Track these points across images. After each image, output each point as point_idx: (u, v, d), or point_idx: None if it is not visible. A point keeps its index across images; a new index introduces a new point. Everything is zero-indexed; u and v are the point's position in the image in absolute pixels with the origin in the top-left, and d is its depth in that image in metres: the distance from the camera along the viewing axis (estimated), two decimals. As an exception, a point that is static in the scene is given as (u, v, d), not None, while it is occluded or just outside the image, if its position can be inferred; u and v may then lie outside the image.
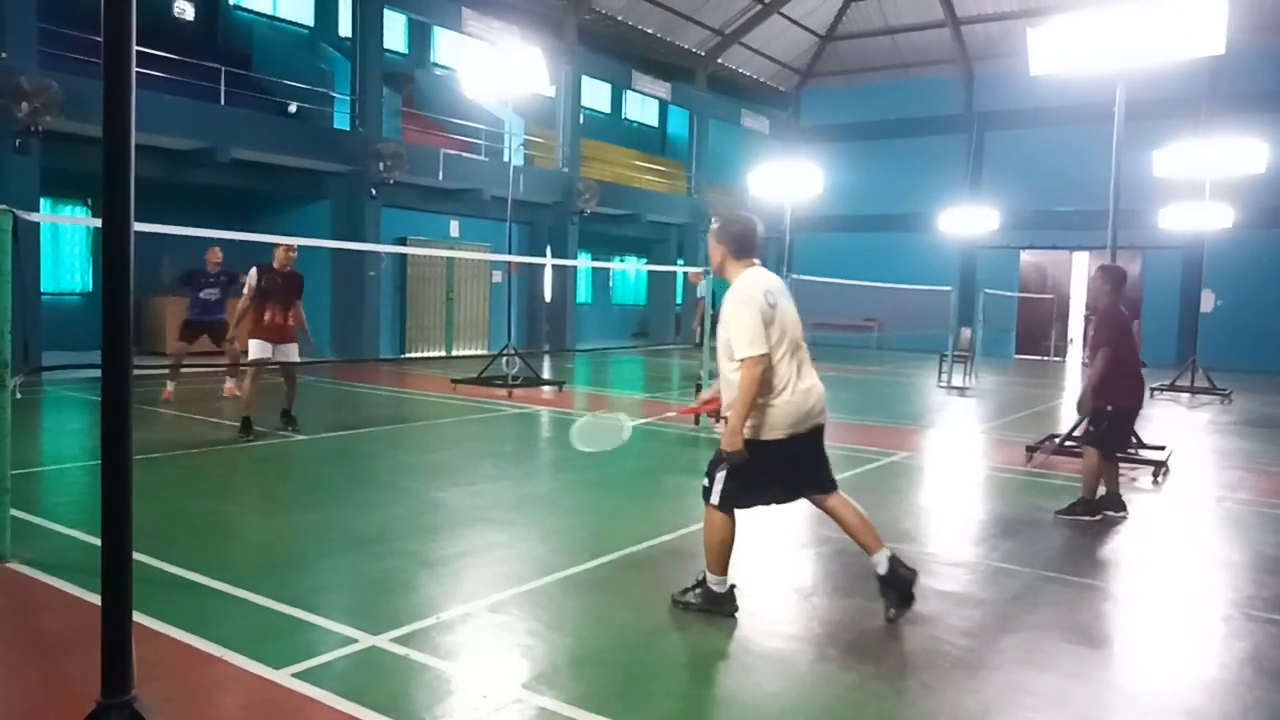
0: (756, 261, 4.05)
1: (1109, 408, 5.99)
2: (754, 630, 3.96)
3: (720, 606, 4.05)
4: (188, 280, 10.75)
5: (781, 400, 3.87)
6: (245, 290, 8.48)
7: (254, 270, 8.49)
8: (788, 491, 4.13)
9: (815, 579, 4.79)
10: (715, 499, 3.98)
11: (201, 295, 10.60)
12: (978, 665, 3.64)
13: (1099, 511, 6.07)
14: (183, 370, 10.95)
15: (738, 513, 4.07)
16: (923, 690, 3.38)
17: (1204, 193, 15.75)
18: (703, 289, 15.97)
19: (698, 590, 4.11)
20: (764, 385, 3.82)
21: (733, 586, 4.08)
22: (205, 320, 10.65)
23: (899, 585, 3.98)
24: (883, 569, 3.98)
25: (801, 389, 3.91)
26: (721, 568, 4.06)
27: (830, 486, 4.12)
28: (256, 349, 8.48)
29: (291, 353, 8.69)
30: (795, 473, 4.05)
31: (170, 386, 10.60)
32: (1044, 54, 8.28)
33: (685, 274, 16.82)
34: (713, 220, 4.13)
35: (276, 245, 8.55)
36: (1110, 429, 6.06)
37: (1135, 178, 13.49)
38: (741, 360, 3.77)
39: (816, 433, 4.01)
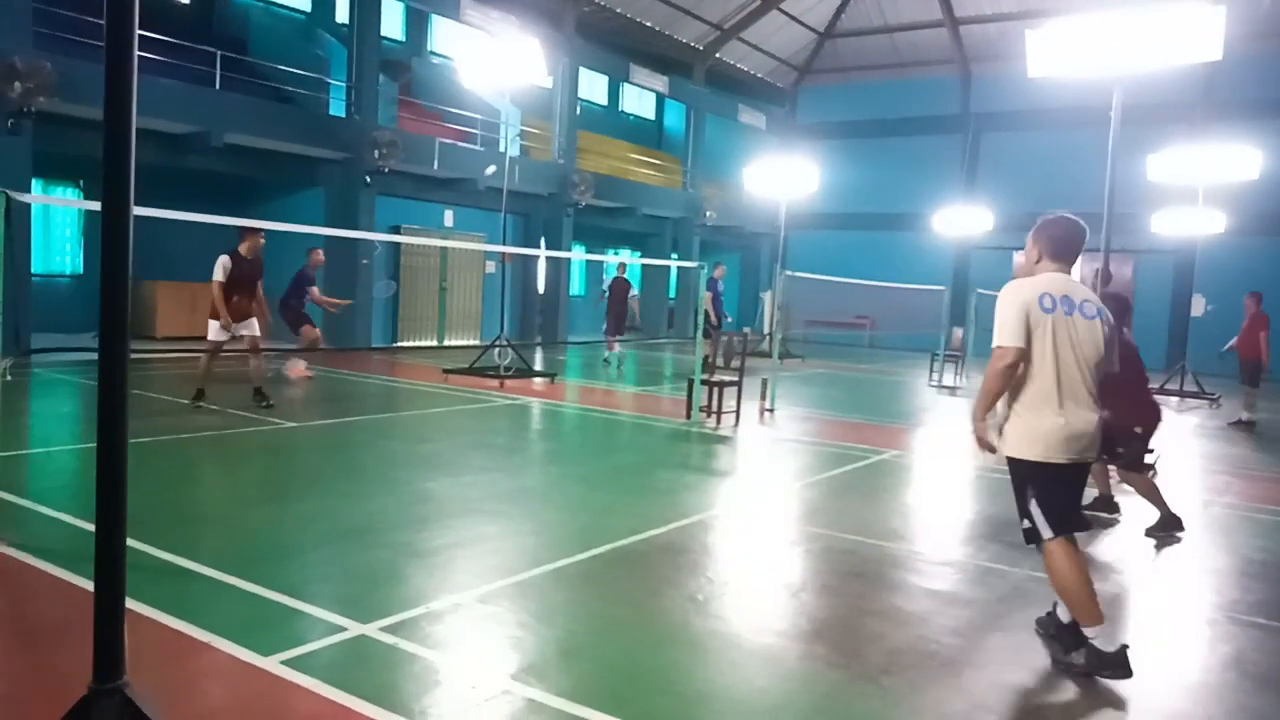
0: (1064, 268, 3.78)
1: (1137, 429, 6.02)
2: (743, 626, 3.97)
3: (1108, 669, 3.51)
4: (309, 280, 11.62)
5: (1036, 421, 3.58)
6: (218, 276, 8.83)
7: (225, 258, 8.88)
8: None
9: (804, 576, 4.80)
10: (1046, 532, 3.63)
11: (307, 296, 11.71)
12: (965, 664, 3.66)
13: (1176, 526, 5.99)
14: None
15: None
16: (909, 688, 3.40)
17: (1197, 198, 15.81)
18: (606, 284, 16.46)
19: (1082, 651, 3.59)
20: (1019, 397, 3.62)
21: (1125, 647, 3.52)
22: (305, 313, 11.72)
23: (1065, 640, 3.69)
24: (1066, 618, 3.74)
25: (1064, 417, 3.55)
26: (1092, 615, 3.58)
27: (1076, 527, 3.79)
28: (217, 330, 8.90)
29: (252, 327, 9.17)
30: (1068, 499, 3.73)
31: (302, 365, 11.75)
32: (1042, 56, 8.28)
33: (617, 265, 17.24)
34: (1039, 222, 3.90)
35: (244, 232, 8.96)
36: (1141, 448, 6.08)
37: (1129, 182, 13.53)
38: (994, 348, 3.61)
39: (1074, 471, 3.65)
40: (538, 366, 14.65)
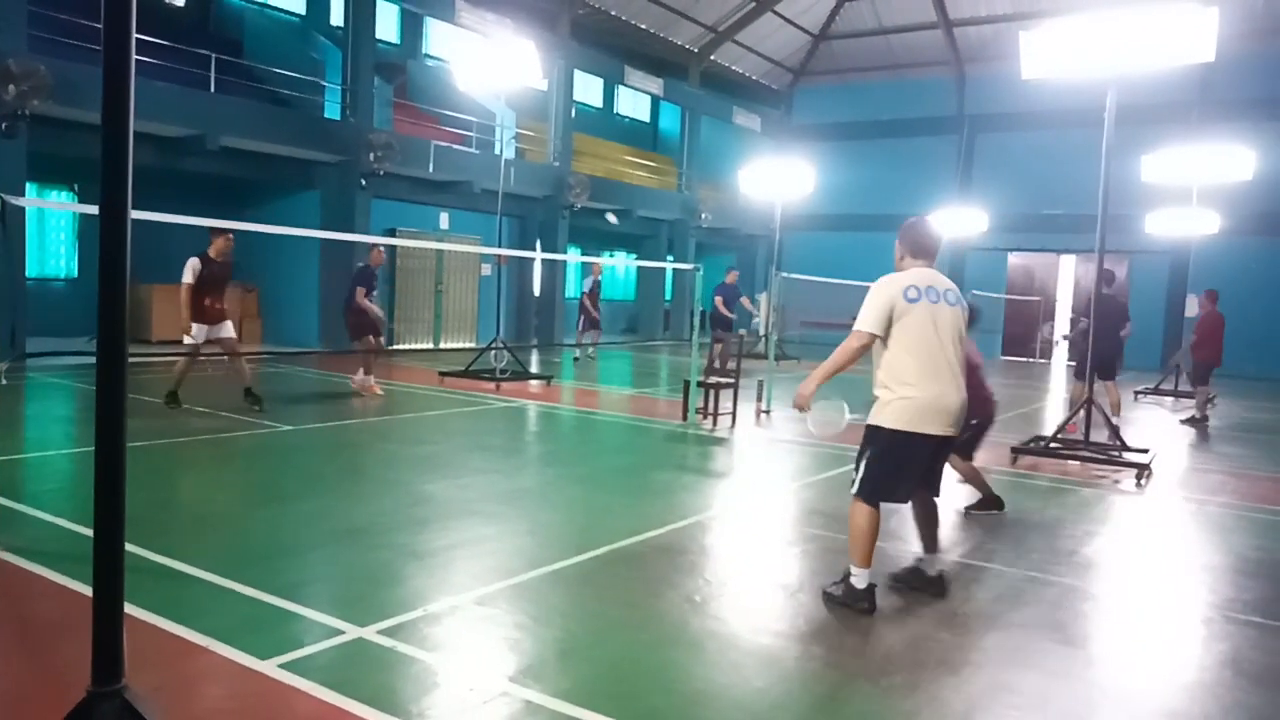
0: (927, 264, 4.30)
1: (973, 421, 6.17)
2: (741, 626, 3.98)
3: (856, 602, 4.16)
4: (362, 280, 10.92)
5: (907, 394, 4.07)
6: (188, 279, 8.70)
7: (195, 260, 8.74)
8: (914, 486, 4.33)
9: (802, 576, 4.80)
10: (855, 488, 4.22)
11: (374, 294, 11.02)
12: (962, 663, 3.67)
13: (998, 505, 6.39)
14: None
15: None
16: (907, 688, 3.40)
17: (1191, 198, 15.86)
18: (587, 284, 16.80)
19: (841, 583, 4.24)
20: (892, 377, 4.11)
21: (872, 585, 4.19)
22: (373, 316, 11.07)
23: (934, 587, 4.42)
24: (931, 570, 4.48)
25: (931, 392, 4.06)
26: (863, 559, 4.17)
27: (936, 492, 4.49)
28: (201, 333, 8.85)
29: (228, 329, 9.09)
30: (917, 470, 4.25)
31: (371, 380, 11.04)
32: (1036, 58, 8.31)
33: (584, 264, 17.65)
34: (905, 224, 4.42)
35: (214, 233, 8.84)
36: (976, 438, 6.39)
37: (1123, 182, 13.57)
38: (853, 330, 4.14)
39: (942, 442, 4.17)
40: (534, 369, 14.65)
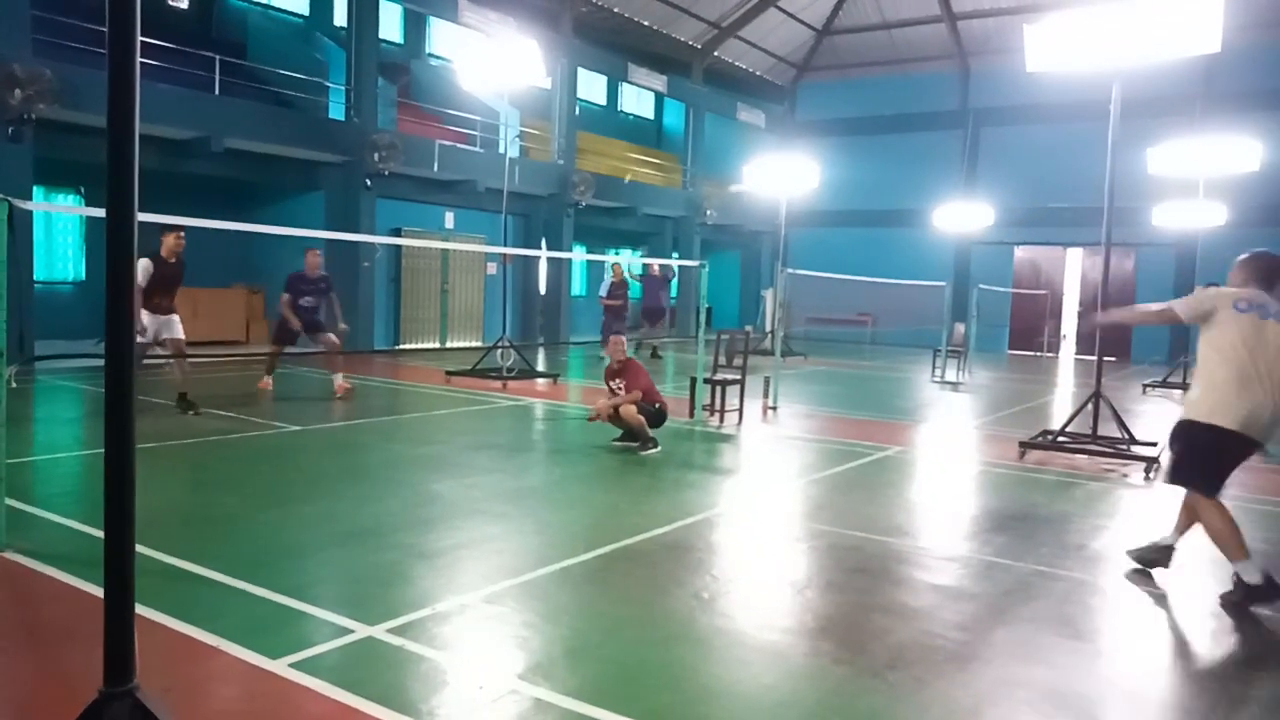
0: (1268, 291, 4.62)
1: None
2: (748, 623, 3.98)
3: (1272, 598, 4.26)
4: (288, 286, 10.48)
5: (1238, 396, 4.34)
6: (139, 280, 8.53)
7: (146, 261, 8.63)
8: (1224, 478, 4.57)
9: (809, 573, 4.81)
10: (1164, 477, 4.56)
11: (301, 303, 10.41)
12: (970, 659, 3.67)
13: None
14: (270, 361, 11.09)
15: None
16: (915, 683, 3.40)
17: (1198, 190, 15.79)
18: (603, 288, 16.69)
19: (1245, 586, 4.31)
20: (1212, 377, 4.41)
21: (1267, 573, 4.29)
22: (305, 322, 10.48)
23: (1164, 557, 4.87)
24: (1255, 579, 4.39)
25: (1258, 401, 4.33)
26: (1242, 552, 4.33)
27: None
28: (149, 323, 8.80)
29: (176, 327, 9.01)
30: (1229, 463, 4.51)
31: (268, 379, 10.86)
32: (1040, 51, 8.29)
33: (608, 263, 17.44)
34: (1245, 254, 4.76)
35: (163, 233, 8.75)
36: None
37: (1129, 175, 13.51)
38: (1167, 305, 4.67)
39: (1253, 449, 4.47)
40: (540, 367, 14.66)
